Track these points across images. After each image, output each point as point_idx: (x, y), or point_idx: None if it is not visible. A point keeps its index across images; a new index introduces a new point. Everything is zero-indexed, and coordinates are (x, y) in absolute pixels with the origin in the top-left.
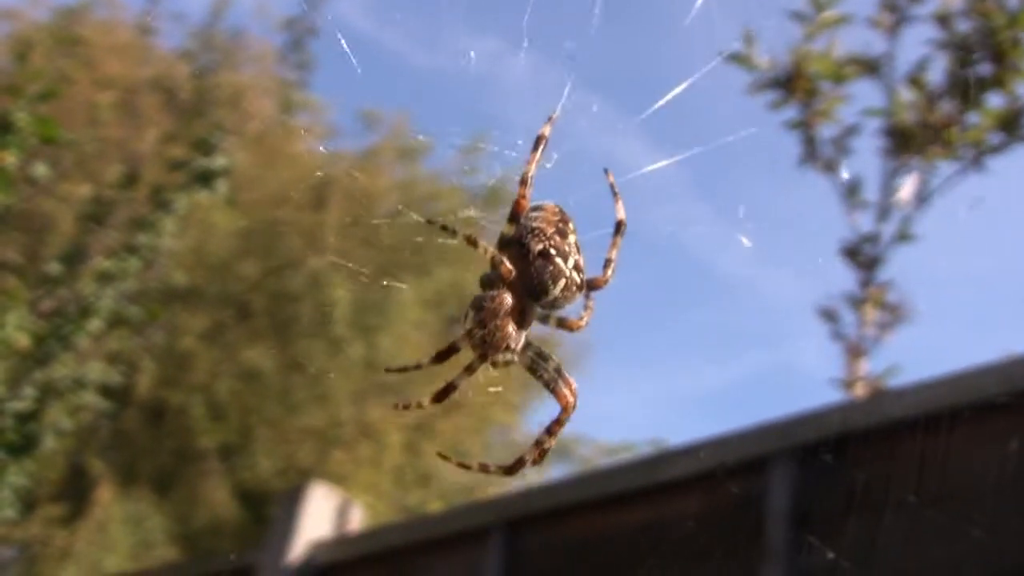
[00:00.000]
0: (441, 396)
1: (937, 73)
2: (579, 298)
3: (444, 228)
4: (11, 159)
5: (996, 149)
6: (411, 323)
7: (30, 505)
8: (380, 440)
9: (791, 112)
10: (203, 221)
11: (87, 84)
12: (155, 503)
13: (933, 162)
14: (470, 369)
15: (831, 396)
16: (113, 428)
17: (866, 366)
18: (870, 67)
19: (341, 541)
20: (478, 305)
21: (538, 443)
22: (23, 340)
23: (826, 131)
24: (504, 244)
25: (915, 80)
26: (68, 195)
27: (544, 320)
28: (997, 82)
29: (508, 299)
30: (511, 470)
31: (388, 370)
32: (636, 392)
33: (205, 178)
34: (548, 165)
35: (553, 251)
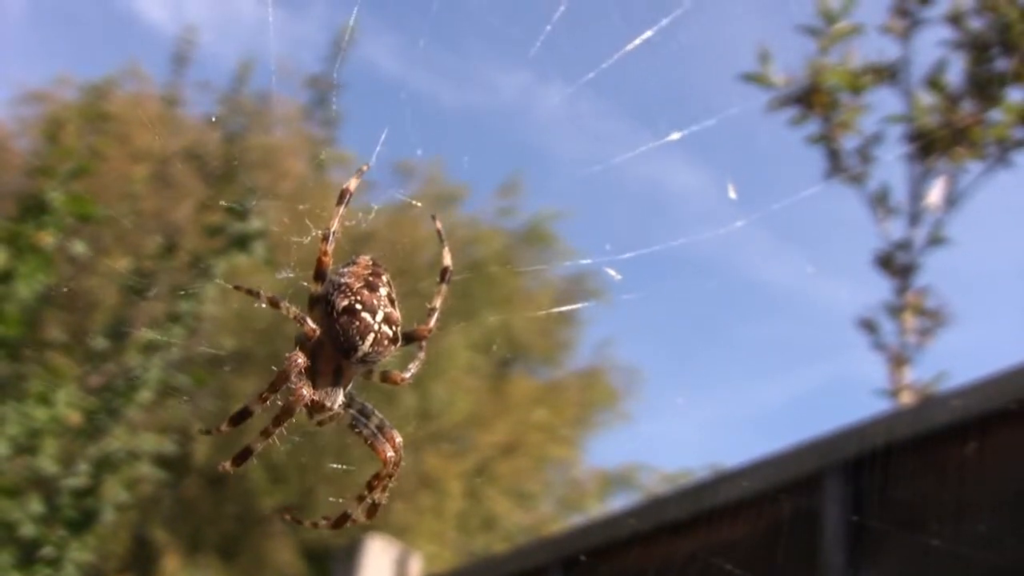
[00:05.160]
0: (239, 460)
1: (955, 74)
2: (395, 351)
3: (249, 292)
4: (49, 239)
5: (1021, 144)
6: (462, 368)
7: None
8: (440, 488)
9: (812, 127)
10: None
11: (120, 159)
12: (222, 569)
13: (959, 163)
14: (266, 433)
15: (883, 407)
16: (175, 498)
17: (912, 374)
18: (887, 74)
19: None
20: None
21: (360, 498)
22: (74, 417)
23: (849, 142)
24: (313, 303)
25: (933, 82)
26: (109, 270)
27: (368, 376)
28: (1016, 76)
29: (300, 360)
30: (337, 524)
31: (201, 432)
32: (693, 416)
33: (242, 242)
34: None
35: (359, 306)
